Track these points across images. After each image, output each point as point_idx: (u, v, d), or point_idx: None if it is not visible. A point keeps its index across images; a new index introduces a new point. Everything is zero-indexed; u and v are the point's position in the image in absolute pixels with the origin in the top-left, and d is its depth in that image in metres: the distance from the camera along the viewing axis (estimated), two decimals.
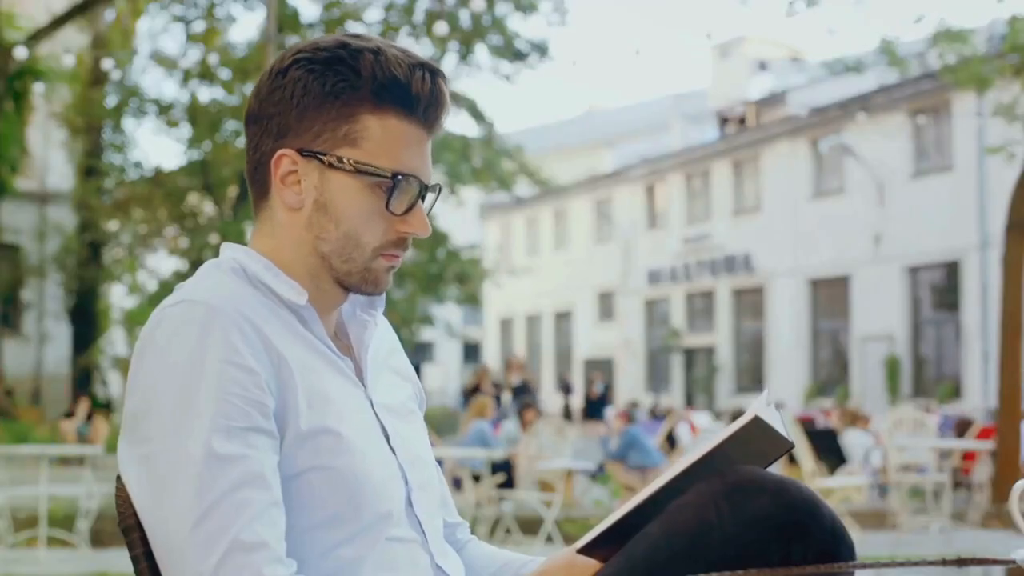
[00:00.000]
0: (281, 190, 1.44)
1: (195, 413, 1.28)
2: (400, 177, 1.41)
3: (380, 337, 1.59)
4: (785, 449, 1.44)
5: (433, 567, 1.46)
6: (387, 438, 1.47)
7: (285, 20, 17.69)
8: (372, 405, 1.48)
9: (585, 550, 1.43)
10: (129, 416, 1.35)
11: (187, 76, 19.94)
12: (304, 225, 1.44)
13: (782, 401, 23.27)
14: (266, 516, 1.26)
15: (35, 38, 19.18)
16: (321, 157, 1.41)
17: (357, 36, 1.44)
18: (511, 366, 18.79)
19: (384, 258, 1.45)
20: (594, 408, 21.50)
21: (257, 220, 1.50)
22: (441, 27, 17.24)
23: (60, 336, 23.24)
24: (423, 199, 1.46)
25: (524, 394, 16.48)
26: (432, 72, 1.43)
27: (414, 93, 1.41)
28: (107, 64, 18.53)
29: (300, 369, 1.38)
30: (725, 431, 1.38)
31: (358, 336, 1.52)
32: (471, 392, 16.21)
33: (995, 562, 1.28)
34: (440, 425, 19.46)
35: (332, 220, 1.42)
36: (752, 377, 28.70)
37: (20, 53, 16.79)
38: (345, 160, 1.41)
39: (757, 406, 1.38)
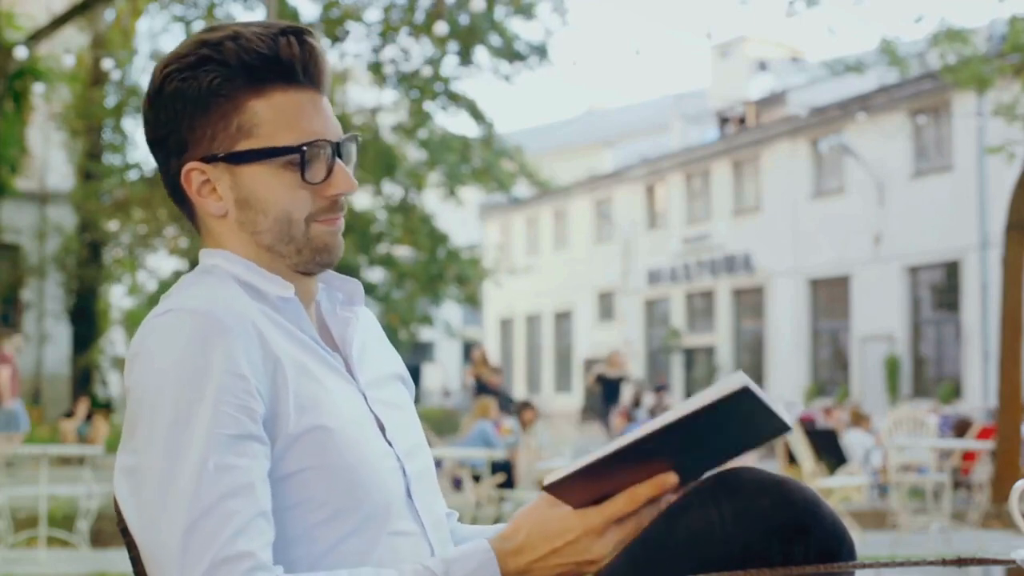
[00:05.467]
0: (202, 203, 1.44)
1: (184, 424, 1.27)
2: (306, 147, 1.40)
3: (365, 329, 1.59)
4: (781, 430, 1.36)
5: None
6: (383, 431, 1.47)
7: (285, 20, 17.68)
8: (366, 399, 1.48)
9: (553, 488, 1.35)
10: (124, 425, 1.35)
11: None
12: (237, 228, 1.44)
13: (783, 402, 23.23)
14: (252, 527, 1.25)
15: (35, 38, 19.17)
16: (224, 158, 1.40)
17: (213, 29, 1.43)
18: (477, 362, 17.57)
19: (321, 223, 1.44)
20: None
21: (200, 233, 1.49)
22: (441, 27, 17.24)
23: (60, 336, 23.24)
24: (339, 156, 1.44)
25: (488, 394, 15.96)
26: (296, 33, 1.42)
27: (285, 61, 1.40)
28: (107, 64, 18.53)
29: (294, 369, 1.37)
30: (710, 394, 1.30)
31: (341, 334, 1.52)
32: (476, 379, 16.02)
33: (995, 562, 1.28)
34: (440, 425, 19.45)
35: (259, 212, 1.42)
36: (752, 377, 28.22)
37: (20, 53, 16.79)
38: (248, 152, 1.40)
39: (743, 378, 1.31)
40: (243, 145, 1.40)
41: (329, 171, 1.43)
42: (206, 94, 1.39)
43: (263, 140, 1.40)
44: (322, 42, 1.45)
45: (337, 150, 1.44)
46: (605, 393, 15.90)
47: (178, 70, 1.40)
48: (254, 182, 1.41)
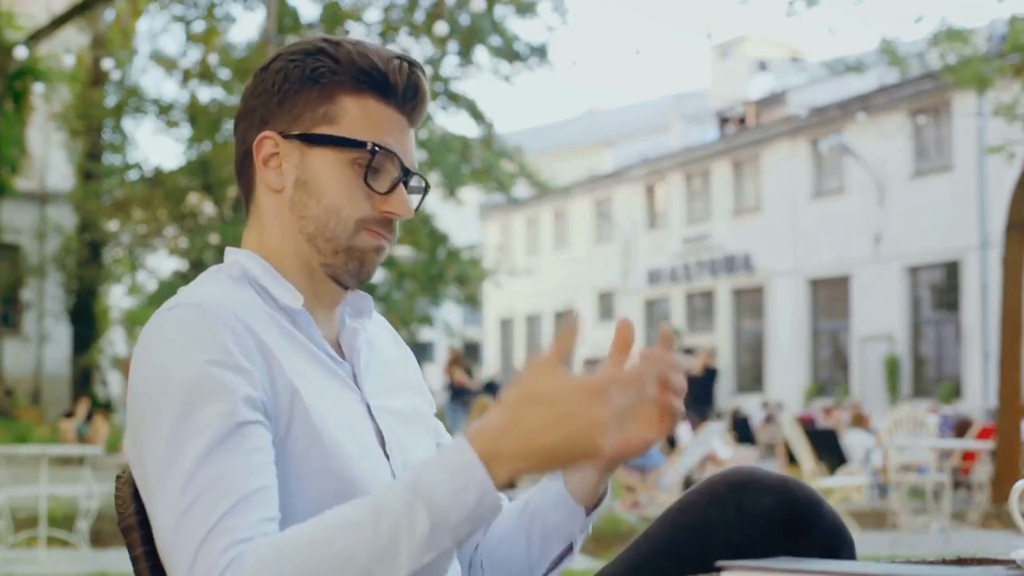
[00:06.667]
0: (264, 172, 1.46)
1: (181, 416, 1.27)
2: (378, 149, 1.42)
3: (378, 334, 1.58)
4: None
5: None
6: (383, 443, 1.44)
7: (285, 20, 17.69)
8: (369, 409, 1.46)
9: None
10: (128, 421, 1.35)
11: (187, 76, 19.95)
12: (288, 207, 1.45)
13: (782, 401, 23.27)
14: (246, 504, 1.22)
15: (35, 38, 19.19)
16: (300, 136, 1.43)
17: (336, 36, 1.48)
18: (449, 362, 16.55)
19: (368, 233, 1.44)
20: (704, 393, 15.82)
21: (248, 217, 1.50)
22: (441, 27, 17.24)
23: (60, 336, 23.24)
24: (406, 184, 1.46)
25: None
26: (410, 63, 1.46)
27: (392, 81, 1.44)
28: (107, 64, 18.55)
29: (294, 374, 1.36)
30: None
31: (349, 343, 1.51)
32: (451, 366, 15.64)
33: (995, 562, 1.28)
34: None
35: (313, 196, 1.43)
36: (752, 377, 28.70)
37: (20, 53, 16.80)
38: (322, 135, 1.43)
39: None
40: (321, 129, 1.44)
41: (392, 188, 1.45)
42: (307, 77, 1.44)
43: (342, 130, 1.43)
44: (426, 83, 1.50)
45: (406, 176, 1.46)
46: (696, 392, 13.73)
47: (291, 53, 1.46)
48: (319, 166, 1.44)
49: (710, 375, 14.75)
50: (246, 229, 1.51)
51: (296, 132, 1.44)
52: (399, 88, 1.45)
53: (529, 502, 1.53)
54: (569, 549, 1.52)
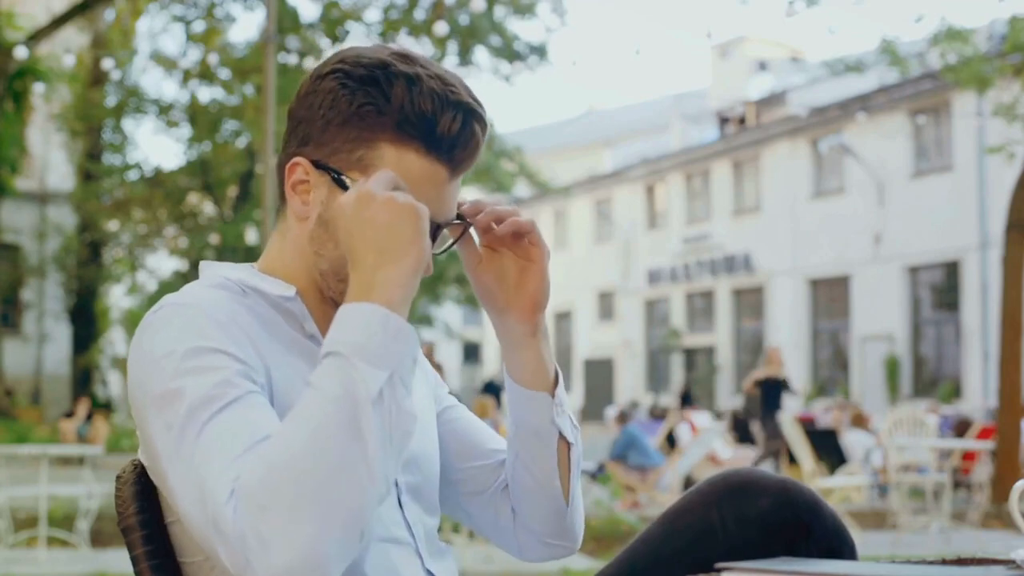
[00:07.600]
0: (291, 197, 1.42)
1: (179, 397, 1.26)
2: None
3: None
4: None
5: (423, 571, 1.43)
6: None
7: (285, 20, 17.69)
8: None
9: None
10: (136, 423, 1.35)
11: (187, 76, 19.96)
12: (308, 237, 1.42)
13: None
14: (254, 448, 1.22)
15: (35, 38, 19.19)
16: (332, 174, 1.39)
17: (403, 56, 1.40)
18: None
19: None
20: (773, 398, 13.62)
21: (278, 220, 1.49)
22: (441, 27, 17.24)
23: (60, 336, 23.25)
24: (434, 237, 1.41)
25: None
26: (466, 113, 1.39)
27: (439, 132, 1.37)
28: (107, 64, 18.54)
29: (286, 370, 1.36)
30: None
31: None
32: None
33: (995, 562, 1.28)
34: None
35: (332, 239, 1.39)
36: None
37: (20, 53, 16.79)
38: (351, 184, 1.38)
39: None
40: (353, 175, 1.38)
41: None
42: (352, 114, 1.37)
43: None
44: (484, 130, 1.43)
45: (435, 231, 1.41)
46: (766, 397, 13.25)
47: (346, 73, 1.38)
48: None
49: (783, 379, 13.67)
50: (273, 232, 1.49)
51: (329, 167, 1.39)
52: (445, 141, 1.38)
53: (508, 439, 1.55)
54: (568, 447, 1.51)
